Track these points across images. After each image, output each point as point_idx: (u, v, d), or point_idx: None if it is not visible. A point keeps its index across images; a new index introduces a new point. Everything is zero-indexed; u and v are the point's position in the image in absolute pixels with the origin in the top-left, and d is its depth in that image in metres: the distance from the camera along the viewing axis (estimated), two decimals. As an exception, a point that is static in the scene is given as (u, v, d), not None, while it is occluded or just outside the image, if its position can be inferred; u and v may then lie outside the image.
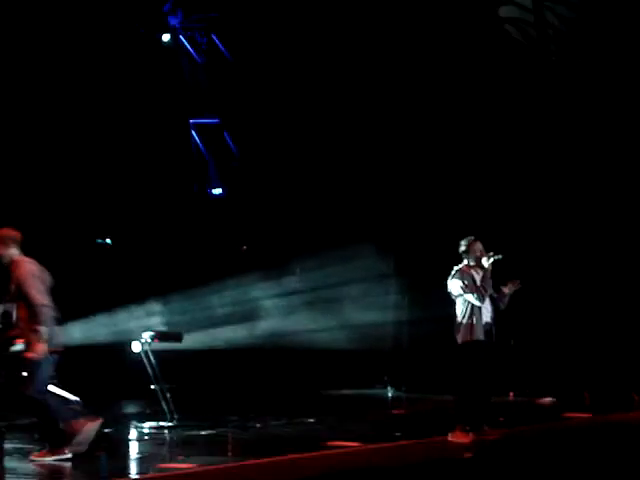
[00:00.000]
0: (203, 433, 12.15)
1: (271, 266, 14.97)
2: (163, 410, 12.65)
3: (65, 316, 14.51)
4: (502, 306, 11.77)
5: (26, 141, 15.18)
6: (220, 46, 15.76)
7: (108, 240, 16.37)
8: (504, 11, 14.84)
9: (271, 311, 15.14)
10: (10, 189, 14.89)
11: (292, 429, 12.51)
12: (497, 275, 11.63)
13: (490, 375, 11.51)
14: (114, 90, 15.38)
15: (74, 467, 9.77)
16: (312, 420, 13.14)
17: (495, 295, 11.67)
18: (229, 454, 11.06)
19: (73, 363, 14.57)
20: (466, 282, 11.42)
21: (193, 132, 15.93)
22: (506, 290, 11.76)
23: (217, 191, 16.04)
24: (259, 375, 15.47)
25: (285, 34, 15.12)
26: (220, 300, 15.10)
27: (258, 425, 12.68)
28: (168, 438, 12.11)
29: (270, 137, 15.50)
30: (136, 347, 12.59)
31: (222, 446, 11.50)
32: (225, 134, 15.89)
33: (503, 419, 12.23)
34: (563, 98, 14.60)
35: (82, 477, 9.43)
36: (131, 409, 14.63)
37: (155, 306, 14.93)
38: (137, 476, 9.89)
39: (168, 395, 12.65)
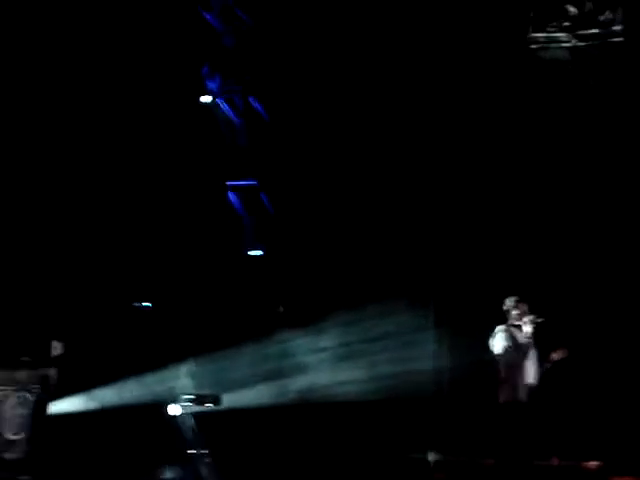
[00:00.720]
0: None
1: (309, 323, 14.82)
2: (203, 476, 12.49)
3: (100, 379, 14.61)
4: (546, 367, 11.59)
5: (70, 201, 15.28)
6: (258, 107, 15.79)
7: (148, 304, 16.36)
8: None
9: (308, 368, 14.93)
10: (53, 252, 14.99)
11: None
12: (543, 336, 11.50)
13: (531, 438, 11.28)
14: (156, 152, 15.46)
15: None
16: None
17: (541, 362, 11.51)
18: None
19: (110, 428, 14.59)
20: (507, 342, 11.27)
21: (231, 194, 15.92)
22: (554, 357, 11.61)
23: (256, 252, 15.96)
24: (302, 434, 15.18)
25: (319, 95, 15.16)
26: (258, 359, 14.94)
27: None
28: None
29: (306, 195, 15.46)
30: (174, 410, 12.48)
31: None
32: (262, 195, 15.86)
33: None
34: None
35: None
36: (172, 475, 14.44)
37: (192, 368, 14.82)
38: None
39: (207, 460, 12.51)
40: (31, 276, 14.68)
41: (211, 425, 12.91)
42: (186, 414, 12.53)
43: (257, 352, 14.80)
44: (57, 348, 13.71)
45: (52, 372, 13.62)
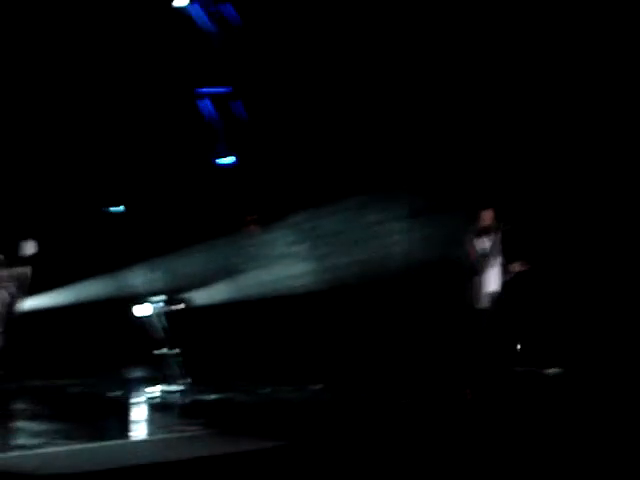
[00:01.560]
0: (212, 397, 12.25)
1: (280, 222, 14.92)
2: (173, 374, 12.75)
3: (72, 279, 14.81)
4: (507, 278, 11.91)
5: (38, 111, 15.27)
6: (232, 13, 15.75)
7: (121, 207, 16.48)
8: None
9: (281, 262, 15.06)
10: (24, 161, 15.03)
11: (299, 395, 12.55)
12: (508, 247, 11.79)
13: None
14: (127, 57, 15.42)
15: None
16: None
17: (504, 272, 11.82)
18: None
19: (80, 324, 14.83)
20: (476, 248, 11.60)
21: (204, 101, 15.94)
22: (514, 269, 11.87)
23: (228, 160, 16.06)
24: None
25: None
26: (229, 258, 15.08)
27: (267, 391, 12.75)
28: (178, 402, 12.23)
29: (281, 103, 15.50)
30: (142, 310, 12.69)
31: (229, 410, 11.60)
32: (237, 103, 15.91)
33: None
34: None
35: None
36: (139, 374, 14.70)
37: (160, 269, 14.99)
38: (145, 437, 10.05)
39: (179, 359, 12.75)
40: (6, 177, 14.74)
41: (179, 324, 13.10)
42: (156, 314, 12.74)
43: (227, 252, 14.94)
44: (31, 247, 13.82)
45: (26, 270, 13.76)
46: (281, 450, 8.78)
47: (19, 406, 11.92)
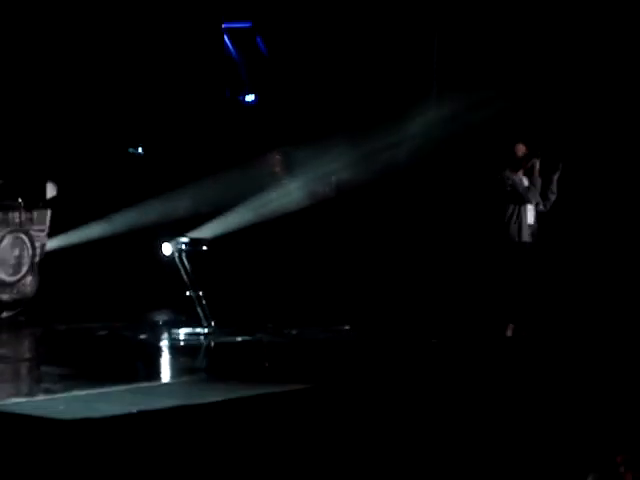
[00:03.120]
0: (239, 339, 12.15)
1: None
2: (198, 316, 12.63)
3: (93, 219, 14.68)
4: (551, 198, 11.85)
5: (58, 49, 15.04)
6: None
7: (140, 149, 16.30)
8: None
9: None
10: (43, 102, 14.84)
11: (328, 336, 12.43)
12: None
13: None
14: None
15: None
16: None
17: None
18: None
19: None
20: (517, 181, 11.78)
21: (225, 37, 15.65)
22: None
23: (250, 97, 15.79)
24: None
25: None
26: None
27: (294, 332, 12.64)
28: (202, 345, 12.14)
29: (301, 38, 15.20)
30: (166, 250, 12.51)
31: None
32: (257, 38, 15.61)
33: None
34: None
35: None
36: (164, 316, 14.58)
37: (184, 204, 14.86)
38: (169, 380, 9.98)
39: (203, 301, 12.62)
40: (27, 119, 14.56)
41: (202, 265, 12.93)
42: (178, 256, 12.57)
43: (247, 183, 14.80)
44: (51, 190, 13.67)
45: (47, 213, 13.63)
46: (309, 392, 8.67)
47: (44, 350, 11.87)
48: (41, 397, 8.50)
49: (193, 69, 15.53)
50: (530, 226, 11.83)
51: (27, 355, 11.93)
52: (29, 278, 13.49)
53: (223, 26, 15.58)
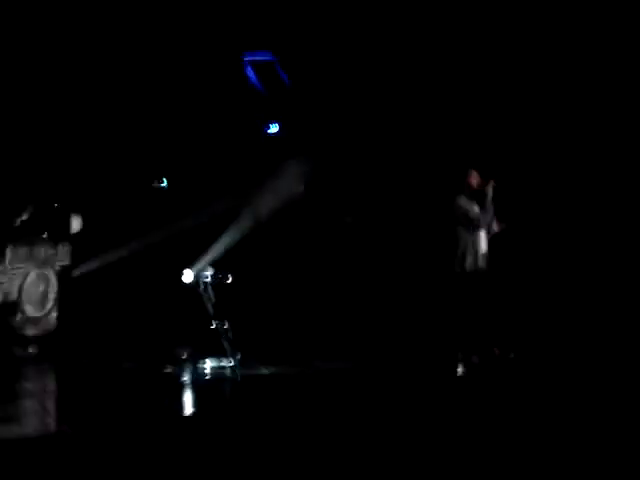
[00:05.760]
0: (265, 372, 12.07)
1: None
2: (223, 349, 12.55)
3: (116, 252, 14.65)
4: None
5: (81, 82, 15.09)
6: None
7: (164, 182, 16.29)
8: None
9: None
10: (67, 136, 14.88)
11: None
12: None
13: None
14: (169, 30, 15.19)
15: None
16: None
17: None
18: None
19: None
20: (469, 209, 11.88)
21: (248, 69, 15.65)
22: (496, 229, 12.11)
23: (274, 129, 15.76)
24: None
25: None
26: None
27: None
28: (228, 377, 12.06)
29: (325, 69, 15.20)
30: (188, 277, 12.42)
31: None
32: (279, 69, 15.59)
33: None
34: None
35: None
36: (189, 348, 14.46)
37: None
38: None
39: (228, 333, 12.55)
40: (52, 153, 14.60)
41: (227, 297, 12.86)
42: (203, 287, 12.52)
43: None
44: (76, 223, 13.69)
45: (71, 248, 13.64)
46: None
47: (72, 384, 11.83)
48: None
49: (216, 101, 15.53)
50: (484, 254, 11.89)
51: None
52: (54, 314, 13.50)
53: (245, 59, 15.58)
